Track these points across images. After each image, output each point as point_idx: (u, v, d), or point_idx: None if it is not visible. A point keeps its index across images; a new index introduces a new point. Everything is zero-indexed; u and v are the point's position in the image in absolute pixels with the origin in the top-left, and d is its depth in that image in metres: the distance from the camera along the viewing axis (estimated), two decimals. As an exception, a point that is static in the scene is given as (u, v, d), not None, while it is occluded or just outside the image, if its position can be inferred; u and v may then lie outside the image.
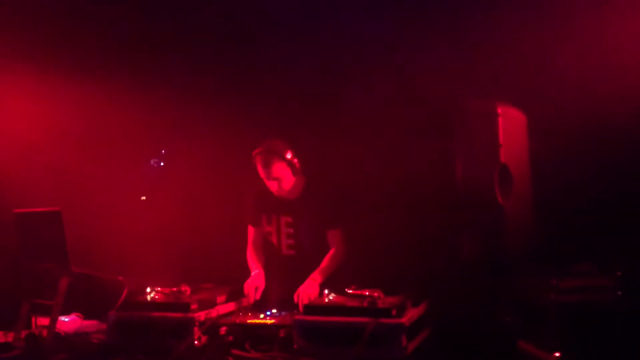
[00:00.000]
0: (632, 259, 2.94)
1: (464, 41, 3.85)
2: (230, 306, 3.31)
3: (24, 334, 3.15)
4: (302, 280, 3.35)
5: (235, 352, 2.79)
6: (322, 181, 3.71)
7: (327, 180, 3.75)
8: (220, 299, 3.27)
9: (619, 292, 2.53)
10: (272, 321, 3.04)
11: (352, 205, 3.74)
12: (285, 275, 3.63)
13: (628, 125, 3.44)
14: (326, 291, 3.04)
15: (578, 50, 3.54)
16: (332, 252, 3.55)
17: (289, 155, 3.53)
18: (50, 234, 3.10)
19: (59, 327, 3.18)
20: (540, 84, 3.60)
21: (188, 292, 3.24)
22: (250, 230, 3.85)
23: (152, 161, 5.00)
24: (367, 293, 2.92)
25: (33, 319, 3.28)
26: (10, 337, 3.15)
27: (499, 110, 2.99)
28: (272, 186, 3.56)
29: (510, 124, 3.07)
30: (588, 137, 3.51)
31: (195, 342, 2.94)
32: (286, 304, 3.28)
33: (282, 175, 3.53)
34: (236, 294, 3.42)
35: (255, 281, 3.49)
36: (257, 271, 3.60)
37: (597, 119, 3.48)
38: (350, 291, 2.99)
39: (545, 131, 3.37)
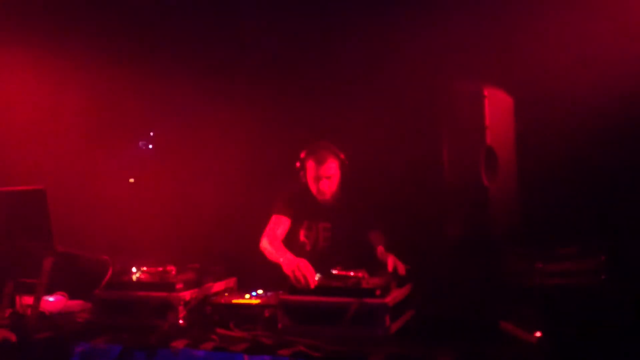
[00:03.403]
0: (616, 243, 2.96)
1: (451, 23, 3.84)
2: (216, 286, 3.31)
3: (8, 312, 3.14)
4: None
5: (220, 331, 2.79)
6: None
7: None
8: (206, 278, 3.26)
9: (603, 276, 2.55)
10: (258, 301, 3.05)
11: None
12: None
13: (613, 110, 3.45)
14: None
15: (565, 33, 3.55)
16: (380, 248, 3.39)
17: (342, 156, 3.51)
18: (35, 212, 3.07)
19: (44, 307, 3.17)
20: (526, 67, 3.60)
21: (174, 272, 3.24)
22: (278, 220, 3.55)
23: (140, 143, 4.97)
24: (351, 274, 2.93)
25: (17, 298, 3.24)
26: (-7, 316, 3.14)
27: (486, 92, 2.99)
28: (323, 186, 3.46)
29: (497, 106, 3.08)
30: (574, 120, 3.53)
31: (180, 322, 2.95)
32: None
33: (333, 175, 3.47)
34: (222, 274, 3.40)
35: (298, 261, 3.00)
36: (288, 255, 3.20)
37: (583, 102, 3.49)
38: (335, 272, 2.99)
39: (531, 114, 3.39)
